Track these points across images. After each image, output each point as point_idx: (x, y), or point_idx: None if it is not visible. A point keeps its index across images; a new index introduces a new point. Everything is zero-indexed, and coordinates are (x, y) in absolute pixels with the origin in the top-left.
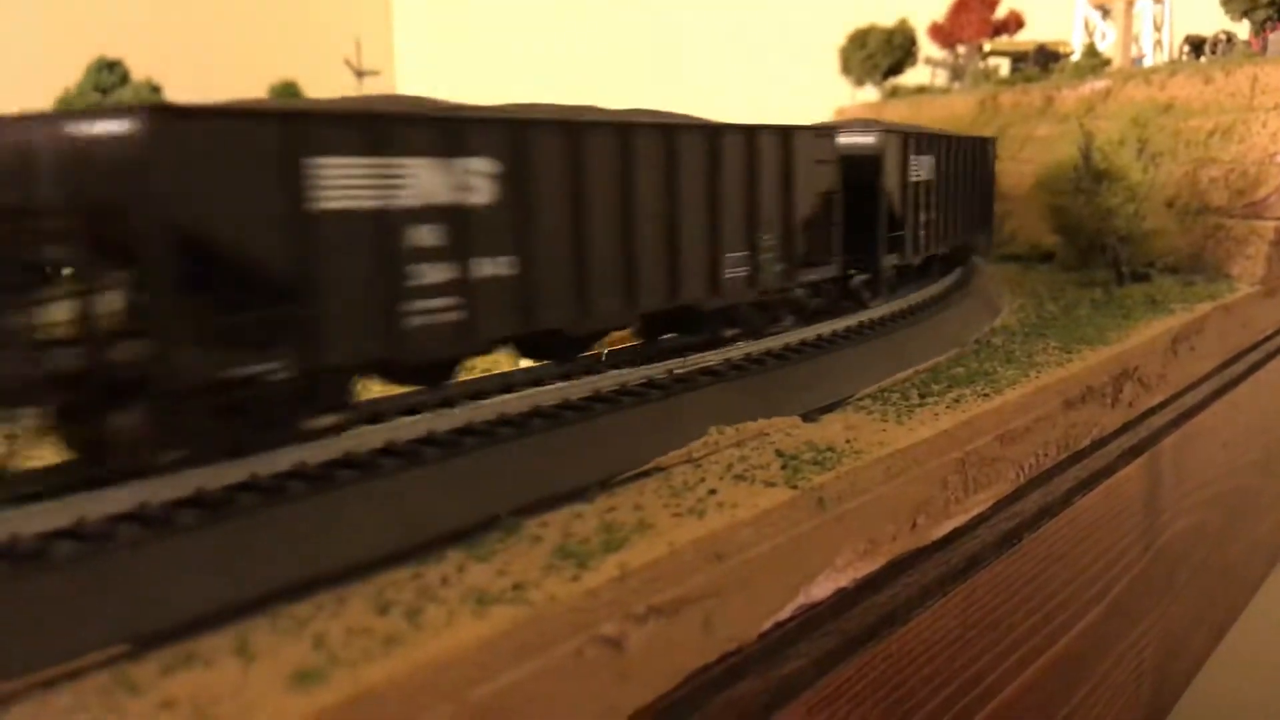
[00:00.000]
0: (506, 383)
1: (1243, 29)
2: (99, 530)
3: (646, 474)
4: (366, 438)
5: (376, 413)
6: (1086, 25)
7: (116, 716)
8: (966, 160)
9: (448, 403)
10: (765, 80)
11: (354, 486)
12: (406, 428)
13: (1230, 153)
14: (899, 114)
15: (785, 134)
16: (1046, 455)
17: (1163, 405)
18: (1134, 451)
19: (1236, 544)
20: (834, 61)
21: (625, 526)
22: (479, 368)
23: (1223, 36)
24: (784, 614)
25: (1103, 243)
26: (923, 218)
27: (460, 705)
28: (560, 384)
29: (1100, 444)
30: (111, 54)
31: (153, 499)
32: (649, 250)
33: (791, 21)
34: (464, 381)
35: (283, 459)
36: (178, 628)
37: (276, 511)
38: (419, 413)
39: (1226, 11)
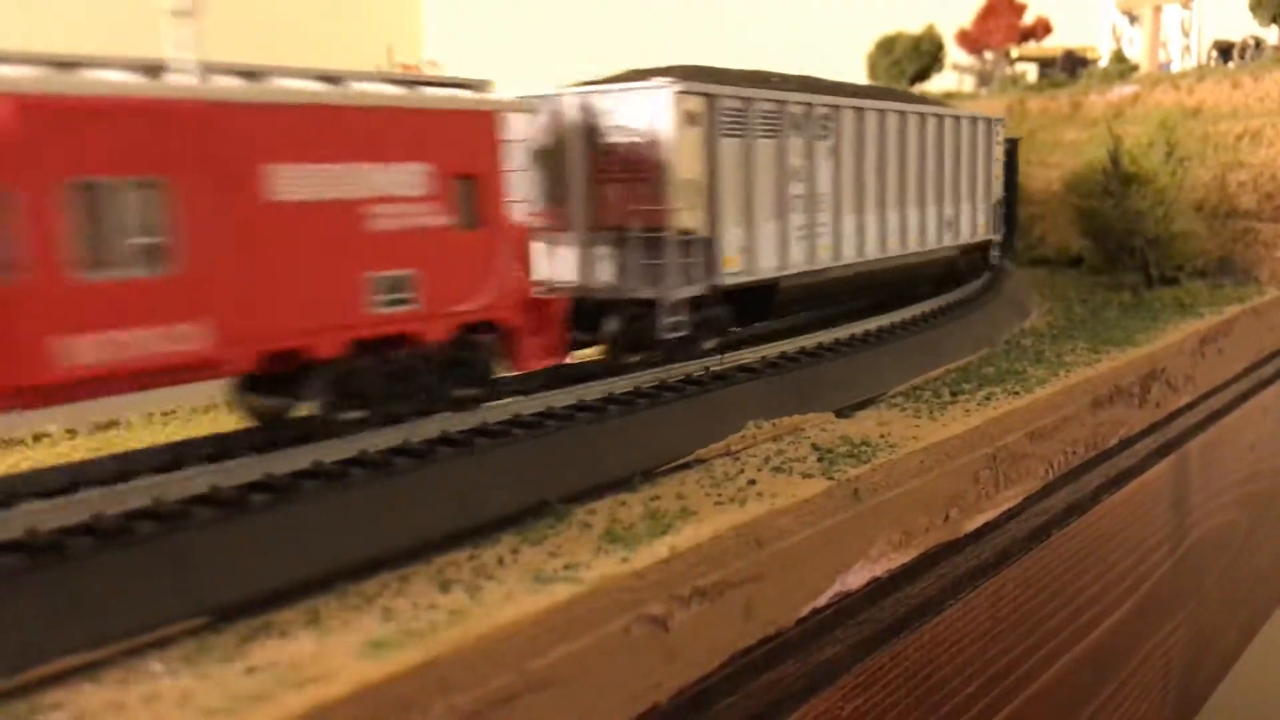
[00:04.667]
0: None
1: (1272, 34)
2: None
3: (687, 465)
4: (422, 428)
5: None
6: (1114, 31)
7: (204, 680)
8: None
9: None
10: None
11: (412, 474)
12: (460, 419)
13: (1259, 157)
14: None
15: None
16: (1075, 453)
17: (1190, 406)
18: (1162, 451)
19: (1266, 545)
20: (861, 67)
21: (669, 514)
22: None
23: (1251, 41)
24: (821, 600)
25: (1131, 246)
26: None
27: (520, 674)
28: (605, 380)
29: (1128, 443)
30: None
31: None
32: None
33: (818, 27)
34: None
35: (343, 447)
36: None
37: (339, 497)
38: None
39: (1255, 16)
